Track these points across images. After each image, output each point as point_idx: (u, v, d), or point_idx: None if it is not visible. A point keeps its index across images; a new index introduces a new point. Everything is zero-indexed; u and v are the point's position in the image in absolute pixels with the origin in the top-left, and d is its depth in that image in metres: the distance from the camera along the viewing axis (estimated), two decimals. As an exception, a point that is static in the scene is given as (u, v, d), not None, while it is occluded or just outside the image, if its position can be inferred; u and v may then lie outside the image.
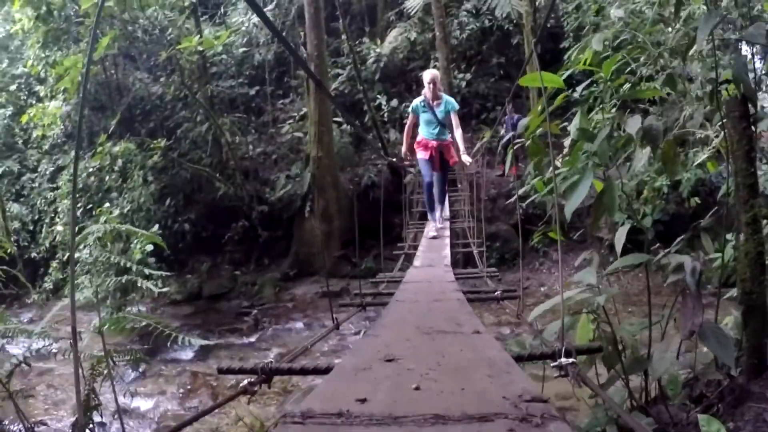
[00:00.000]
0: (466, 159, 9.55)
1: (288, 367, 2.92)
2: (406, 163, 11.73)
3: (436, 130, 9.66)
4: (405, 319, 3.60)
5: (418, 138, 9.90)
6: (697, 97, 4.85)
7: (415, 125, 10.18)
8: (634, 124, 3.57)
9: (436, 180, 9.96)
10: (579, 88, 4.28)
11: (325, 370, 2.75)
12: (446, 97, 9.72)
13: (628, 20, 12.76)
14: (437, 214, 10.31)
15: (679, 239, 4.27)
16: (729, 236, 4.03)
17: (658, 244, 4.36)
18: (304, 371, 2.93)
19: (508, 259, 17.18)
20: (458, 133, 9.63)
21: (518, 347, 5.56)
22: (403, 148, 10.71)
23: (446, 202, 11.54)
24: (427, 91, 9.59)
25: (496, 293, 5.33)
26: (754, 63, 3.65)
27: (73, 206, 2.47)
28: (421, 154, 9.82)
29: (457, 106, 9.78)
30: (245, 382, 2.81)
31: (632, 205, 13.17)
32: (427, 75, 9.60)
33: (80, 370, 6.14)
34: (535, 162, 4.46)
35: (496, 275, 8.06)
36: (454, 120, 9.66)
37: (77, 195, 19.57)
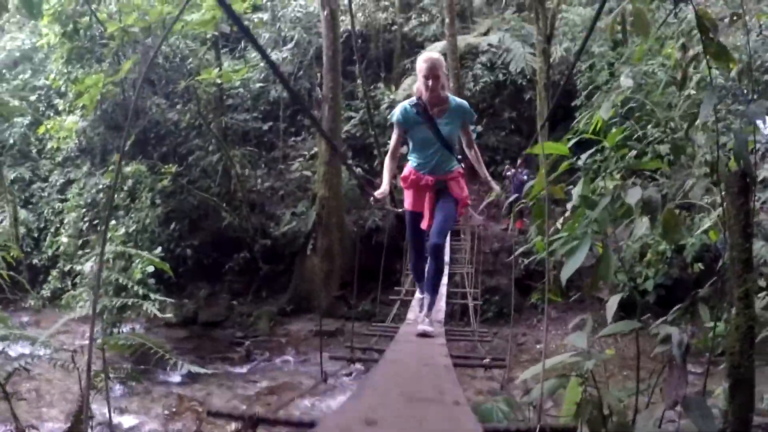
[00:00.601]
0: (495, 187, 6.00)
1: (274, 418, 3.02)
2: (387, 205, 7.90)
3: (437, 157, 5.76)
4: (390, 383, 3.66)
5: (405, 171, 6.01)
6: (705, 162, 4.93)
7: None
8: (633, 195, 3.65)
9: (432, 242, 5.85)
10: (583, 157, 4.36)
11: (310, 424, 2.86)
12: (456, 101, 5.69)
13: (641, 81, 12.91)
14: (426, 303, 6.13)
15: (676, 308, 4.32)
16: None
17: (649, 314, 4.41)
18: (289, 423, 3.03)
19: (506, 314, 17.13)
20: (476, 154, 5.95)
21: (506, 405, 5.59)
22: (383, 187, 5.81)
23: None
24: (422, 89, 5.54)
25: (484, 361, 5.37)
26: (755, 135, 3.73)
27: (104, 234, 2.56)
28: (409, 201, 6.02)
29: (474, 116, 5.89)
30: (233, 427, 2.93)
31: (634, 269, 13.20)
32: (423, 62, 5.50)
33: (77, 383, 6.20)
34: (538, 225, 4.53)
35: (487, 340, 8.08)
36: (466, 137, 5.91)
37: (84, 210, 19.81)
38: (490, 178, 6.03)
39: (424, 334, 5.72)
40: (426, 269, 6.15)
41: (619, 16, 4.10)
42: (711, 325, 4.02)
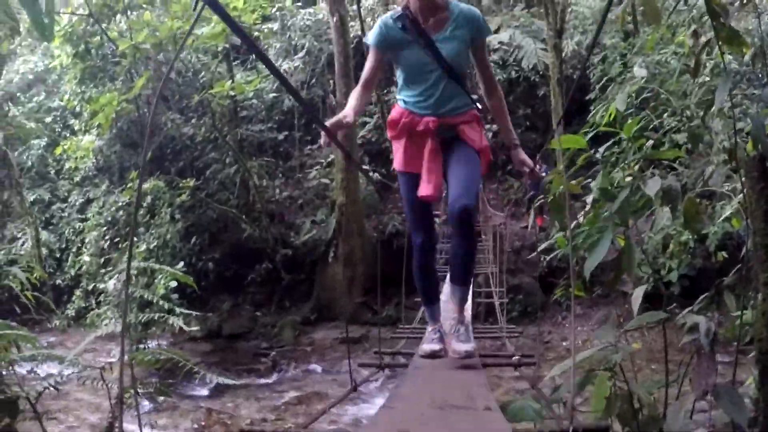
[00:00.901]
0: (524, 159, 4.20)
1: None
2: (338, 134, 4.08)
3: (440, 89, 3.95)
4: (420, 391, 3.65)
5: (393, 112, 4.22)
6: (723, 149, 4.89)
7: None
8: (653, 186, 3.61)
9: (456, 206, 3.80)
10: (601, 149, 4.33)
11: None
12: (460, 8, 3.91)
13: (655, 71, 12.82)
14: (457, 299, 4.32)
15: (701, 297, 4.27)
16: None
17: (674, 305, 4.38)
18: None
19: (530, 312, 17.06)
20: (500, 99, 4.19)
21: (533, 402, 5.56)
22: (344, 111, 3.77)
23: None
24: None
25: (513, 359, 5.28)
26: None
27: (130, 248, 2.57)
28: (400, 157, 4.17)
29: (488, 31, 4.16)
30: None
31: (657, 261, 13.09)
32: None
33: (106, 400, 6.22)
34: (559, 220, 4.50)
35: (515, 336, 7.96)
36: (483, 63, 4.16)
37: (105, 228, 19.92)
38: (517, 140, 4.22)
39: (467, 356, 4.07)
40: (448, 258, 4.42)
41: (629, 5, 4.07)
42: (737, 313, 3.99)
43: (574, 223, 4.49)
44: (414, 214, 4.14)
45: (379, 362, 5.39)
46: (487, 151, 4.15)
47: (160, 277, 13.55)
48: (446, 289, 6.10)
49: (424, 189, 3.83)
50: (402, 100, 4.13)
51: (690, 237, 12.80)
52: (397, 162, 4.14)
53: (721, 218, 7.82)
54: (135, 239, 17.23)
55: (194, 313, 10.01)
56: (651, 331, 13.63)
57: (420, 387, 3.78)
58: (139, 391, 6.25)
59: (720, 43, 3.49)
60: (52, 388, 5.97)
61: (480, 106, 4.14)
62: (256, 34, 18.50)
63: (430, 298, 4.36)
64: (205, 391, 13.46)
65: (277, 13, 23.37)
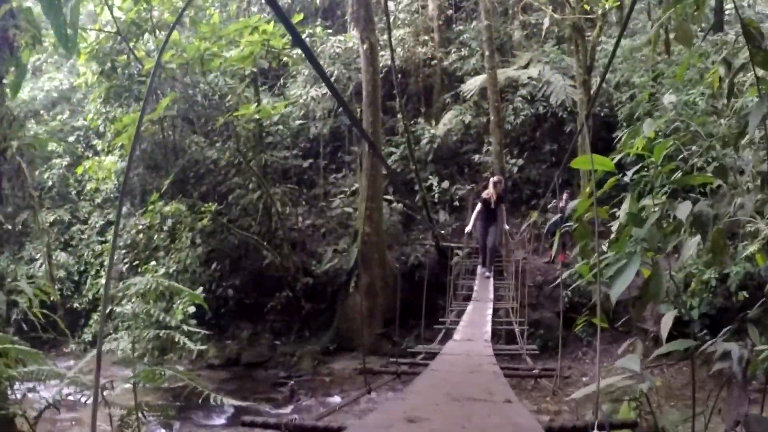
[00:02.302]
0: None
1: (311, 426, 2.94)
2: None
3: None
4: (436, 386, 3.57)
5: None
6: (747, 189, 4.77)
7: None
8: (684, 210, 3.49)
9: None
10: (630, 173, 4.22)
11: (337, 430, 2.77)
12: None
13: (682, 111, 12.78)
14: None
15: (725, 330, 4.15)
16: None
17: (705, 330, 4.26)
18: (327, 430, 2.92)
19: (551, 347, 16.82)
20: None
21: None
22: None
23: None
24: None
25: (533, 371, 5.23)
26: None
27: (111, 257, 2.50)
28: None
29: None
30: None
31: (679, 298, 12.96)
32: None
33: (109, 421, 6.11)
34: (582, 246, 4.38)
35: (535, 352, 7.92)
36: None
37: (124, 251, 19.86)
38: None
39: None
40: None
41: (663, 27, 3.98)
42: (761, 347, 3.87)
43: (596, 254, 4.38)
44: None
45: (395, 369, 5.35)
46: None
47: (178, 302, 13.50)
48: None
49: None
50: None
51: (712, 276, 12.67)
52: None
53: (744, 254, 7.68)
54: (154, 263, 17.18)
55: (203, 332, 9.86)
56: (670, 368, 13.43)
57: (435, 383, 3.70)
58: (145, 413, 6.15)
59: (755, 66, 3.38)
60: (53, 408, 5.86)
61: None
62: (285, 59, 18.55)
63: None
64: (221, 420, 13.35)
65: (307, 39, 23.44)
